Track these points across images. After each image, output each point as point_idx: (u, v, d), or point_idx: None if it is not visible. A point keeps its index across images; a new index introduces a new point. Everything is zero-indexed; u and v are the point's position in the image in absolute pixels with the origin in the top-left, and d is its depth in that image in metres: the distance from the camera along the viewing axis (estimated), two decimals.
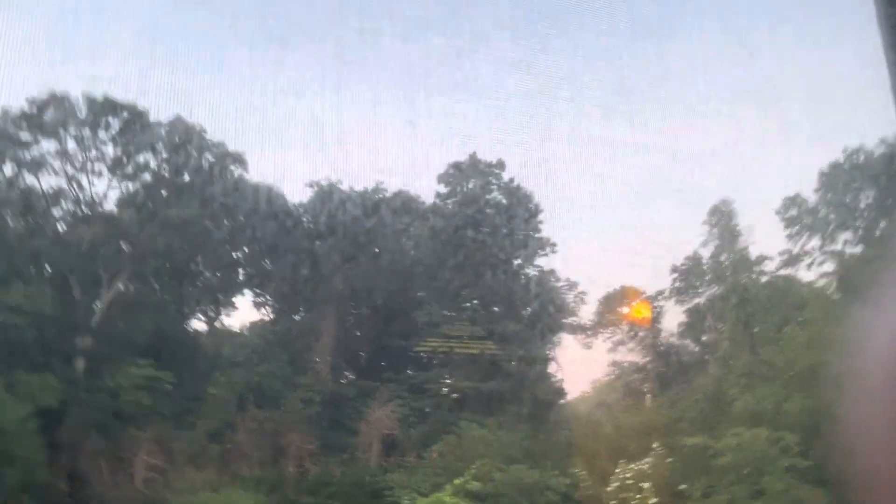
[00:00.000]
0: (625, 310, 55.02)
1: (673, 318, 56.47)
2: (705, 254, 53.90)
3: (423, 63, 54.63)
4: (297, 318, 58.08)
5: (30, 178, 49.29)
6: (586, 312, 57.16)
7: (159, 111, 50.52)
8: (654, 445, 39.59)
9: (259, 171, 56.23)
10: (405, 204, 57.84)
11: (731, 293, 48.75)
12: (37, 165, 48.77)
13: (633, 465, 37.69)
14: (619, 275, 53.81)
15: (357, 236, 54.35)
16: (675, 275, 55.12)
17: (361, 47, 53.32)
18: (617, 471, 38.76)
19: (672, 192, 56.60)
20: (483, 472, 34.58)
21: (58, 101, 48.10)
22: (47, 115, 48.05)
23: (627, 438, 42.17)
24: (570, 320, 56.62)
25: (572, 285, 56.53)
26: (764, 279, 51.02)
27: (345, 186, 56.12)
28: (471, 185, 58.24)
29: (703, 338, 54.84)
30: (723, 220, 51.90)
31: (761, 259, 51.58)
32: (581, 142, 55.49)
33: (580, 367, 55.06)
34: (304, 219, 57.29)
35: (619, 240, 58.39)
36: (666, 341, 56.14)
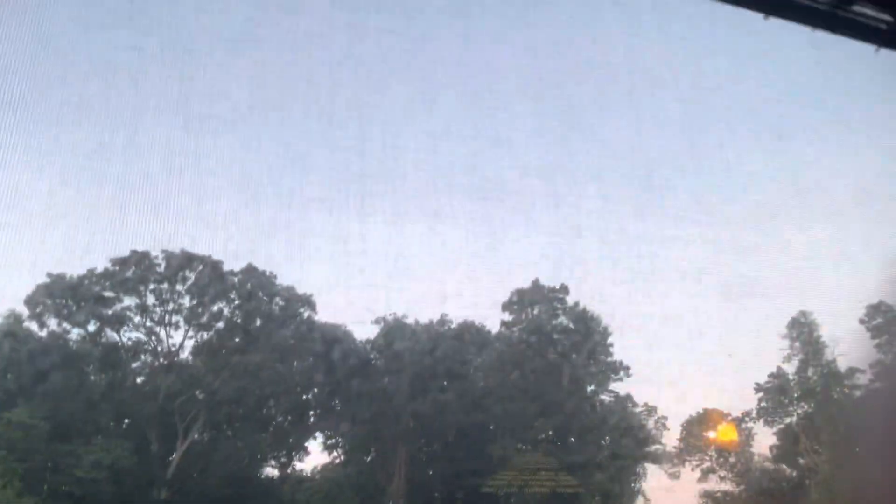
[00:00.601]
0: (710, 434, 52.12)
1: (763, 440, 53.16)
2: (789, 369, 51.43)
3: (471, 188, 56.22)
4: (368, 458, 56.88)
5: (111, 333, 51.63)
6: (669, 439, 54.44)
7: (232, 260, 53.12)
8: None
9: (327, 311, 57.26)
10: (471, 334, 57.71)
11: (824, 410, 45.81)
12: (118, 321, 51.01)
13: None
14: (700, 396, 51.63)
15: (425, 370, 54.00)
16: (761, 394, 52.39)
17: (416, 179, 55.48)
18: None
19: (743, 304, 54.99)
20: None
21: (139, 258, 50.97)
22: (129, 273, 50.75)
23: None
24: (652, 448, 53.82)
25: (651, 410, 54.28)
26: (858, 393, 47.92)
27: (410, 320, 56.71)
28: (535, 312, 57.93)
29: (801, 461, 51.06)
30: (804, 332, 49.75)
31: (852, 372, 48.75)
32: (639, 264, 55.26)
33: (668, 499, 51.68)
34: (372, 356, 57.53)
35: (695, 359, 56.31)
36: (759, 466, 52.44)
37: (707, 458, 52.96)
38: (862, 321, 49.03)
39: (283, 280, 54.99)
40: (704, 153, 56.75)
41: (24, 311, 48.61)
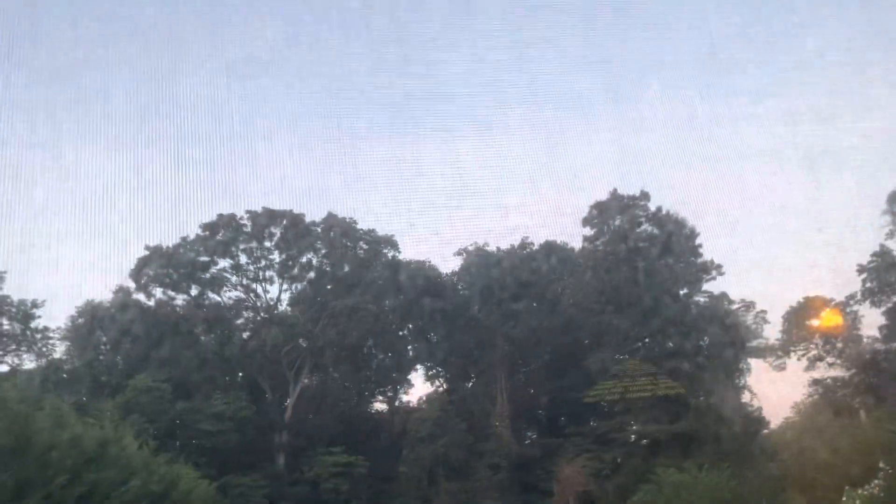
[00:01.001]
0: (814, 322, 50.58)
1: (871, 321, 51.15)
2: (893, 246, 48.83)
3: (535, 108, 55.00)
4: (469, 384, 58.49)
5: (212, 295, 54.41)
6: (771, 332, 53.24)
7: (313, 210, 54.61)
8: (881, 465, 35.32)
9: (409, 249, 58.27)
10: (554, 253, 57.49)
11: None
12: (217, 283, 53.62)
13: (860, 491, 33.72)
14: (799, 286, 49.97)
15: (512, 295, 54.38)
16: (864, 274, 50.16)
17: (478, 109, 54.76)
18: (843, 499, 34.87)
19: (834, 183, 52.26)
20: None
21: (226, 220, 53.02)
22: (219, 236, 52.96)
23: (848, 462, 38.01)
24: (755, 343, 52.83)
25: (749, 305, 53.01)
26: None
27: (492, 248, 57.01)
28: (617, 223, 56.86)
29: None
30: None
31: None
32: (717, 152, 53.11)
33: (777, 391, 51.00)
34: (459, 286, 58.42)
35: (788, 248, 54.38)
36: (870, 348, 50.71)
37: (813, 346, 51.64)
38: None
39: (365, 225, 56.32)
40: (770, 19, 53.05)
41: (131, 284, 51.86)
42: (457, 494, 46.18)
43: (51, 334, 50.37)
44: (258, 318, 54.96)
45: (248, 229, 53.65)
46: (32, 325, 49.63)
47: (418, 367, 59.92)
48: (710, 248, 53.57)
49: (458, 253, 56.90)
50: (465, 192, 58.80)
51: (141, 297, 52.05)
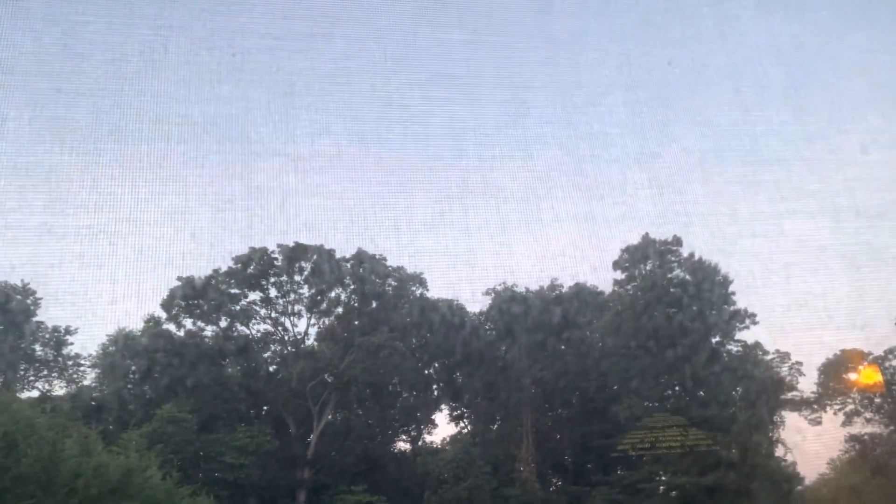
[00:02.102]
0: (851, 376, 49.17)
1: None
2: None
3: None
4: (494, 427, 57.71)
5: (241, 327, 54.77)
6: (806, 385, 51.85)
7: (343, 247, 55.08)
8: None
9: (437, 287, 58.27)
10: (584, 296, 56.98)
11: None
12: (246, 315, 53.99)
13: None
14: (835, 339, 48.74)
15: (541, 336, 53.89)
16: None
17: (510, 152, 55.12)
18: None
19: (871, 273, 51.49)
20: None
21: (257, 254, 53.60)
22: (251, 269, 53.49)
23: None
24: (789, 396, 51.45)
25: (784, 357, 51.80)
26: None
27: (520, 288, 56.75)
28: (648, 267, 56.31)
29: None
30: None
31: None
32: (751, 199, 52.75)
33: (813, 446, 49.37)
34: (487, 326, 58.08)
35: (822, 300, 53.17)
36: None
37: (850, 400, 50.12)
38: None
39: (394, 262, 56.57)
40: (810, 116, 53.53)
41: (163, 314, 52.43)
42: None
43: (81, 361, 51.03)
44: (285, 351, 55.11)
45: (279, 263, 54.15)
46: (64, 351, 50.36)
47: (443, 406, 59.44)
48: (744, 297, 52.72)
49: (487, 293, 56.83)
50: (495, 232, 58.74)
51: (171, 327, 52.63)
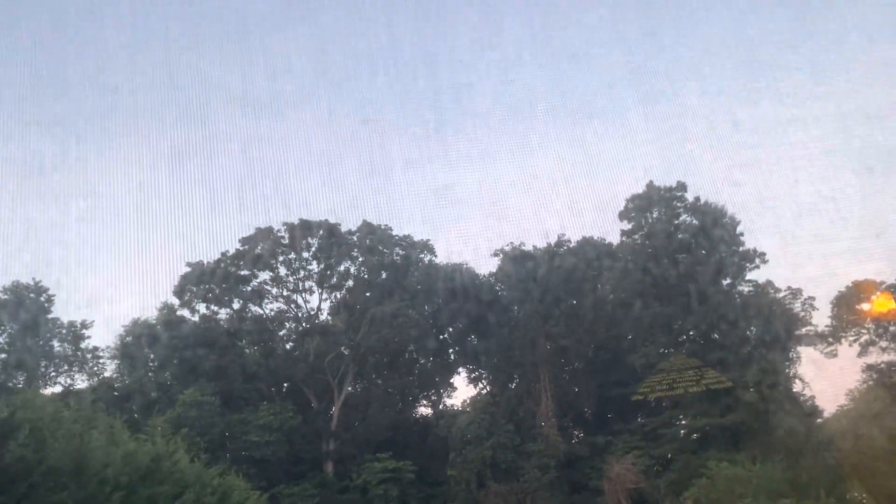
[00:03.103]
0: (865, 306, 49.10)
1: None
2: None
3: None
4: (512, 385, 58.24)
5: (254, 308, 55.17)
6: (820, 319, 51.86)
7: (349, 220, 55.15)
8: None
9: (446, 253, 58.46)
10: (591, 249, 56.90)
11: None
12: (258, 295, 54.33)
13: None
14: (846, 271, 48.60)
15: (552, 292, 53.98)
16: None
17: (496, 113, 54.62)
18: None
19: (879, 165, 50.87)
20: None
21: (264, 233, 53.73)
22: (258, 249, 53.67)
23: None
24: (803, 331, 51.52)
25: (796, 293, 51.72)
26: None
27: (528, 247, 56.72)
28: (655, 215, 56.08)
29: None
30: None
31: None
32: (755, 139, 52.16)
33: (829, 379, 49.63)
34: (498, 287, 58.21)
35: (833, 232, 52.89)
36: None
37: (864, 331, 50.14)
38: None
39: (400, 231, 56.65)
40: (812, 16, 52.08)
41: (175, 301, 52.84)
42: (507, 496, 45.99)
43: (100, 353, 51.64)
44: (300, 328, 55.56)
45: (286, 241, 54.28)
46: (83, 345, 50.94)
47: (460, 370, 59.92)
48: (753, 237, 52.52)
49: (495, 254, 56.78)
50: (499, 193, 58.75)
51: (185, 312, 53.08)
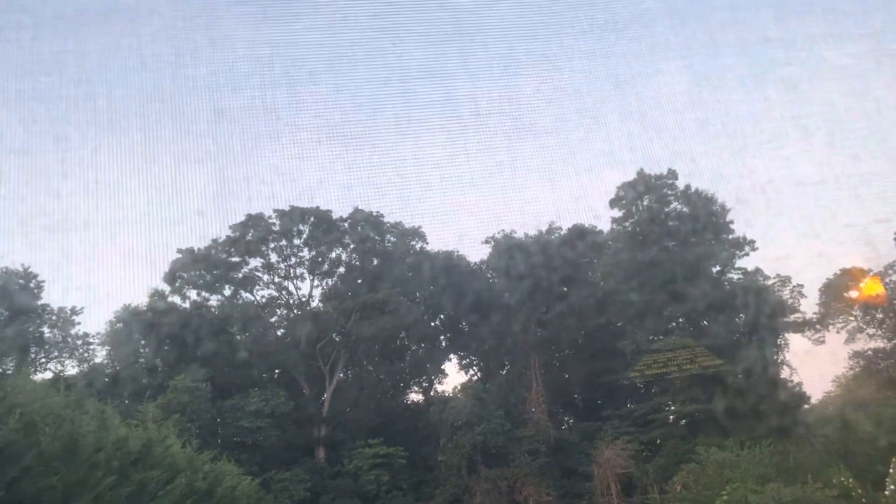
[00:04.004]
0: (852, 293, 49.59)
1: None
2: None
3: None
4: (503, 371, 58.56)
5: (245, 294, 55.10)
6: (808, 306, 52.37)
7: (340, 207, 55.10)
8: None
9: (437, 240, 58.54)
10: (583, 236, 57.11)
11: None
12: (249, 282, 54.28)
13: None
14: (835, 257, 49.05)
15: (543, 280, 54.19)
16: None
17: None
18: (891, 471, 34.28)
19: (866, 152, 51.22)
20: (736, 497, 31.93)
21: (255, 220, 53.59)
22: (249, 236, 53.55)
23: (893, 433, 37.30)
24: (791, 318, 51.99)
25: (784, 280, 52.18)
26: None
27: (519, 234, 56.88)
28: (645, 203, 56.27)
29: None
30: None
31: None
32: (746, 128, 52.36)
33: (817, 365, 50.22)
34: (489, 275, 58.41)
35: (822, 221, 53.42)
36: None
37: (852, 318, 50.67)
38: None
39: (392, 218, 56.61)
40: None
41: (166, 287, 52.70)
42: (497, 481, 46.30)
43: (91, 340, 51.47)
44: (291, 314, 55.56)
45: (277, 228, 54.18)
46: (73, 331, 50.75)
47: (452, 356, 60.18)
48: (743, 225, 52.87)
49: (486, 241, 56.99)
50: (490, 181, 58.84)
51: (176, 299, 52.98)
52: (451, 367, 60.10)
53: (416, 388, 60.74)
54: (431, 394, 59.28)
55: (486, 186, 57.75)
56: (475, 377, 58.75)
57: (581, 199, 62.95)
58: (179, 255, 52.27)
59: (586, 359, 56.39)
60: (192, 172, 50.81)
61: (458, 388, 56.40)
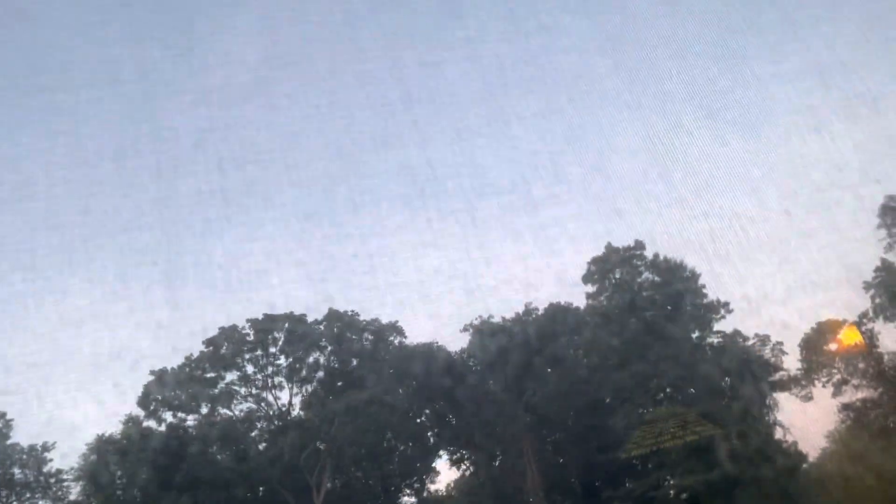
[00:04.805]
0: (832, 346, 49.95)
1: (889, 337, 50.48)
2: (894, 258, 48.81)
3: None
4: (496, 462, 57.02)
5: (223, 410, 53.48)
6: (790, 362, 52.47)
7: (313, 310, 54.63)
8: None
9: (415, 332, 58.07)
10: (560, 314, 57.11)
11: None
12: (227, 397, 52.83)
13: None
14: (809, 312, 49.74)
15: (525, 362, 53.71)
16: (871, 291, 49.85)
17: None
18: None
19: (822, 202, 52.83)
20: None
21: (227, 333, 52.74)
22: (223, 350, 52.56)
23: (894, 482, 36.79)
24: (776, 377, 51.94)
25: (764, 339, 52.42)
26: None
27: (496, 318, 56.68)
28: (618, 276, 56.83)
29: None
30: None
31: None
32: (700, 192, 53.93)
33: (809, 423, 49.80)
34: (471, 363, 57.72)
35: (792, 277, 54.25)
36: (893, 363, 49.88)
37: (835, 370, 50.76)
38: None
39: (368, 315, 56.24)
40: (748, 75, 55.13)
41: (140, 412, 51.01)
42: None
43: (64, 476, 49.23)
44: (272, 426, 53.91)
45: (251, 338, 53.32)
46: (45, 469, 48.58)
47: (442, 452, 58.53)
48: (714, 289, 53.55)
49: (465, 329, 56.59)
50: (461, 266, 59.15)
51: (152, 423, 51.23)
52: (443, 464, 58.37)
53: (407, 491, 58.61)
54: (424, 494, 57.27)
55: (458, 273, 57.89)
56: (468, 472, 57.05)
57: (556, 279, 63.34)
58: (152, 377, 50.97)
59: (579, 440, 55.26)
60: (160, 293, 50.33)
61: (452, 485, 54.76)
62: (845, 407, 49.59)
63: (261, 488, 52.67)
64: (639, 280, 55.53)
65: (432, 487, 57.69)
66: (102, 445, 48.72)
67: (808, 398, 51.71)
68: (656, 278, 54.49)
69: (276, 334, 53.57)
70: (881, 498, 37.46)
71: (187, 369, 51.84)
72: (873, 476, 39.58)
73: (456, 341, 58.20)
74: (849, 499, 39.40)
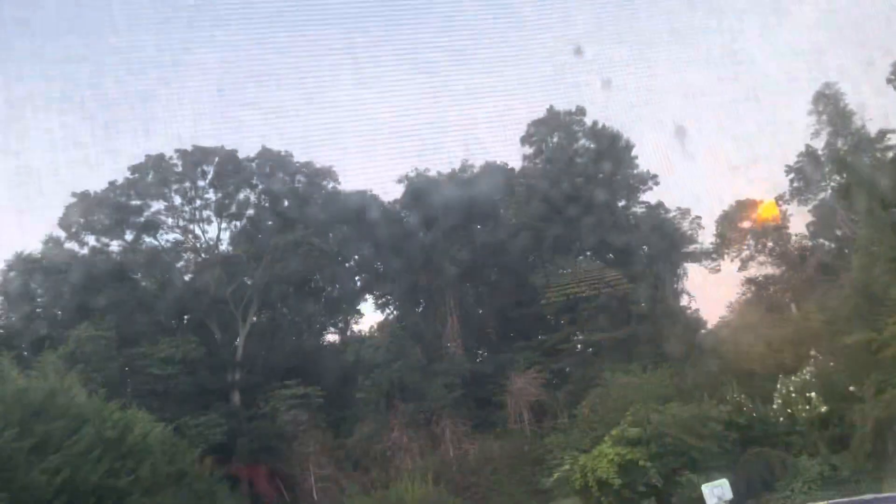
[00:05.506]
0: (746, 224, 52.51)
1: (800, 220, 53.45)
2: (819, 145, 50.63)
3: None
4: (419, 309, 59.19)
5: (149, 239, 52.85)
6: (706, 236, 55.17)
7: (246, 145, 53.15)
8: (812, 353, 37.56)
9: (349, 180, 57.70)
10: (494, 173, 57.61)
11: (856, 177, 45.29)
12: (152, 226, 52.02)
13: (793, 378, 35.88)
14: (731, 190, 51.65)
15: (456, 218, 54.56)
16: (791, 175, 52.02)
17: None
18: (778, 387, 37.06)
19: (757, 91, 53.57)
20: (639, 417, 33.79)
21: (155, 161, 51.08)
22: (149, 178, 51.10)
23: (781, 352, 40.12)
24: (690, 249, 54.71)
25: (685, 213, 54.65)
26: (892, 154, 47.18)
27: (432, 172, 56.77)
28: (555, 139, 57.23)
29: (838, 232, 51.42)
30: (829, 104, 48.41)
31: (883, 134, 47.71)
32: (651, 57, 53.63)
33: (713, 293, 53.23)
34: (403, 213, 58.23)
35: (719, 154, 55.89)
36: (799, 245, 53.14)
37: (745, 247, 53.71)
38: (889, 80, 47.20)
39: (302, 157, 55.24)
40: None
41: (62, 233, 49.91)
42: (415, 415, 47.30)
43: None
44: (199, 259, 53.86)
45: (180, 169, 51.90)
46: None
47: (367, 296, 60.19)
48: (646, 160, 54.70)
49: (400, 180, 56.58)
50: (402, 118, 58.20)
51: (73, 245, 50.34)
52: (368, 306, 60.23)
53: (332, 329, 60.69)
54: (348, 334, 59.40)
55: (398, 124, 57.01)
56: (391, 316, 59.14)
57: (494, 137, 63.23)
58: (74, 199, 49.49)
59: (500, 294, 57.67)
60: (85, 107, 47.71)
61: (375, 326, 56.80)
62: (748, 281, 52.92)
63: (185, 317, 53.37)
64: (575, 146, 56.15)
65: (356, 327, 59.90)
66: (21, 263, 47.79)
67: (717, 271, 54.95)
68: (592, 145, 55.19)
69: (206, 167, 52.26)
70: (767, 363, 40.81)
71: (111, 194, 50.44)
72: (763, 344, 43.00)
73: (390, 192, 58.36)
74: (738, 362, 42.88)
